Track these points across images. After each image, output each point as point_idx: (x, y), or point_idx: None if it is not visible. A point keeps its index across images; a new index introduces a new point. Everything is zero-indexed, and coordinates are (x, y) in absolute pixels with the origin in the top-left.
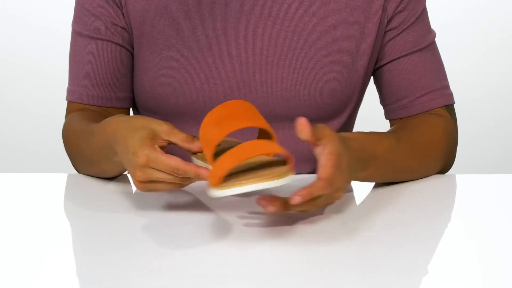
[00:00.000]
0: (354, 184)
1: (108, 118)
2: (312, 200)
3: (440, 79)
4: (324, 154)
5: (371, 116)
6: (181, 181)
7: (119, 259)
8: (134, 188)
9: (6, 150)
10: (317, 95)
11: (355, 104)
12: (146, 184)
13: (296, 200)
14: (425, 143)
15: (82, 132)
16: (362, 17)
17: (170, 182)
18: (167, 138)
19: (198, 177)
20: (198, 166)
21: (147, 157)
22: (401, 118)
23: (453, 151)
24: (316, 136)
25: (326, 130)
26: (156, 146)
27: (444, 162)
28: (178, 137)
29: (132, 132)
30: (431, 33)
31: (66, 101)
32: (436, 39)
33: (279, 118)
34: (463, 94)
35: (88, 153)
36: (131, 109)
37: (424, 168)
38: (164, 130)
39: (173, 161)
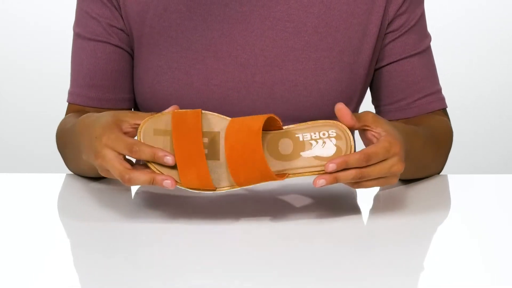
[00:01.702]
0: None
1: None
2: (361, 173)
3: (435, 83)
4: (382, 136)
5: None
6: (128, 172)
7: (116, 259)
8: (132, 188)
9: (4, 150)
10: (317, 96)
11: (356, 104)
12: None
13: (330, 167)
14: (438, 142)
15: (65, 132)
16: (363, 19)
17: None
18: (133, 122)
19: (154, 157)
20: (155, 147)
21: (108, 138)
22: (397, 120)
23: (449, 152)
24: (360, 121)
25: (371, 115)
26: (120, 129)
27: (445, 162)
28: (144, 116)
29: (94, 121)
30: (427, 37)
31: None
32: (436, 40)
33: (280, 119)
34: (462, 95)
35: (69, 153)
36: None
37: (436, 166)
38: (128, 113)
39: (132, 140)
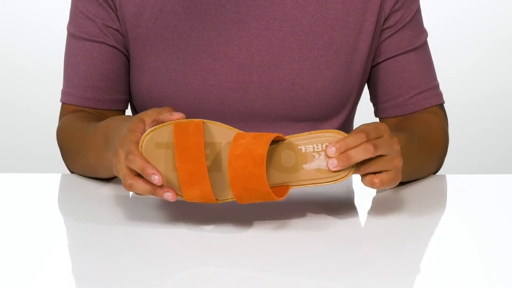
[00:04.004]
0: (352, 185)
1: (115, 117)
2: (372, 144)
3: (432, 78)
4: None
5: (370, 114)
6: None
7: (114, 259)
8: None
9: (4, 150)
10: (315, 95)
11: (354, 102)
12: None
13: (330, 151)
14: (430, 141)
15: (79, 130)
16: (359, 16)
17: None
18: (150, 120)
19: (143, 171)
20: (147, 162)
21: (124, 138)
22: (395, 117)
23: (447, 150)
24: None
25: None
26: (139, 134)
27: (441, 162)
28: (156, 111)
29: (124, 122)
30: (424, 33)
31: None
32: (435, 39)
33: (278, 118)
34: (461, 94)
35: (83, 151)
36: (128, 111)
37: (429, 166)
38: (148, 112)
39: (132, 147)
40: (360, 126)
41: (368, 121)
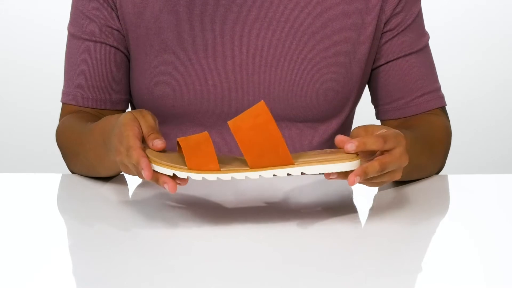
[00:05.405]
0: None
1: (107, 116)
2: (384, 165)
3: (433, 81)
4: (386, 129)
5: (370, 116)
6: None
7: (114, 259)
8: (129, 188)
9: (4, 150)
10: (314, 96)
11: (353, 104)
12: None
13: (351, 146)
14: (433, 141)
15: (78, 131)
16: (359, 18)
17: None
18: (142, 116)
19: (139, 165)
20: (143, 157)
21: (121, 135)
22: (396, 119)
23: (449, 150)
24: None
25: (362, 128)
26: (135, 127)
27: (443, 162)
28: (147, 116)
29: (116, 121)
30: (425, 36)
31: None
32: (436, 40)
33: (277, 118)
34: (462, 94)
35: (83, 153)
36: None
37: (431, 166)
38: (138, 111)
39: (131, 142)
40: (383, 129)
41: (368, 122)
